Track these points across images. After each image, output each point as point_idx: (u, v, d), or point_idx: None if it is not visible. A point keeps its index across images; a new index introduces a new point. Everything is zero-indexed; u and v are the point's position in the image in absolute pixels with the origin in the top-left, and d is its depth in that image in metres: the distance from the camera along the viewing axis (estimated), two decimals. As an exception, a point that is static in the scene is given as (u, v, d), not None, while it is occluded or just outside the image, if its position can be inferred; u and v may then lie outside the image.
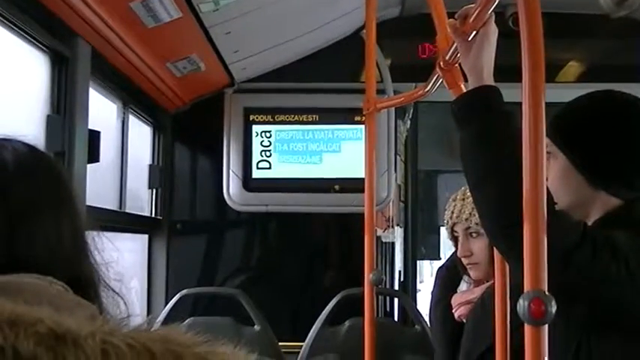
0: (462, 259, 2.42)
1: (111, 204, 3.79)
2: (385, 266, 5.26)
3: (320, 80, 4.51)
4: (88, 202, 3.01)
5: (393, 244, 5.38)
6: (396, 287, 5.45)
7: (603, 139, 1.70)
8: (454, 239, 2.48)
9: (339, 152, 4.52)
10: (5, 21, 2.52)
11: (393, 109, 4.40)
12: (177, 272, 4.62)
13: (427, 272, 10.46)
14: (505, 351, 1.78)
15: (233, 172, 4.47)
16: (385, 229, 5.01)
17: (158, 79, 3.79)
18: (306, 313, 4.52)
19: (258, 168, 4.51)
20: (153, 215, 4.55)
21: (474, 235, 2.38)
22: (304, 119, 4.54)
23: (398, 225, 5.34)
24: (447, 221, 2.47)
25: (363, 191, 2.75)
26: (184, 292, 4.17)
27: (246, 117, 4.52)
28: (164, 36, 3.24)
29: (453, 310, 2.45)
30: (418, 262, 6.15)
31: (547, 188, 1.24)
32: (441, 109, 3.24)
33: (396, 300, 5.15)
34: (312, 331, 4.07)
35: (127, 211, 3.98)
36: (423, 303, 4.48)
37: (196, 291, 4.37)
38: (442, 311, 2.53)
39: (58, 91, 2.91)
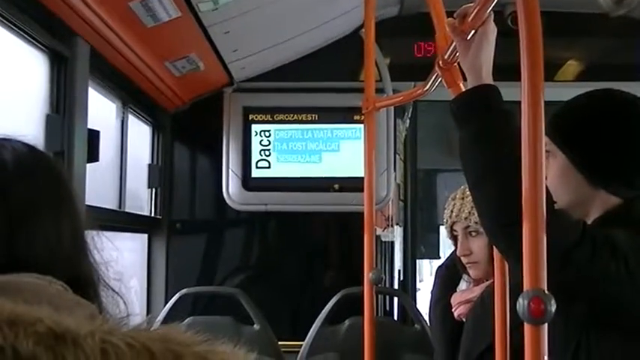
0: (462, 258, 2.42)
1: (110, 203, 3.79)
2: (385, 265, 5.26)
3: (319, 79, 4.51)
4: (88, 202, 3.01)
5: (392, 243, 5.37)
6: (396, 286, 5.44)
7: (602, 138, 1.70)
8: (453, 238, 2.48)
9: (338, 151, 4.52)
10: (5, 21, 2.52)
11: (393, 108, 4.40)
12: (176, 271, 4.62)
13: (427, 271, 10.46)
14: (505, 350, 1.78)
15: (232, 171, 4.47)
16: (385, 228, 5.01)
17: (157, 79, 3.79)
18: (305, 312, 4.52)
19: (257, 167, 4.51)
20: (152, 215, 4.55)
21: (474, 234, 2.38)
22: (303, 118, 4.54)
23: (397, 224, 5.33)
24: (447, 220, 2.47)
25: (362, 190, 2.74)
26: (184, 291, 4.17)
27: (245, 116, 4.53)
28: (163, 35, 3.24)
29: (453, 309, 2.45)
30: (418, 261, 6.15)
31: (546, 187, 1.24)
32: (441, 108, 3.24)
33: (395, 299, 5.15)
34: (311, 330, 4.07)
35: (126, 210, 3.98)
36: (423, 302, 4.48)
37: (196, 290, 4.37)
38: (442, 310, 2.53)
39: (57, 90, 2.91)
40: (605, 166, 1.69)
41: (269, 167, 4.52)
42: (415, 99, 3.16)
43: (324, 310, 4.10)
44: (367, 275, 2.60)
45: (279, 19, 3.82)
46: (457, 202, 2.43)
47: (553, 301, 1.11)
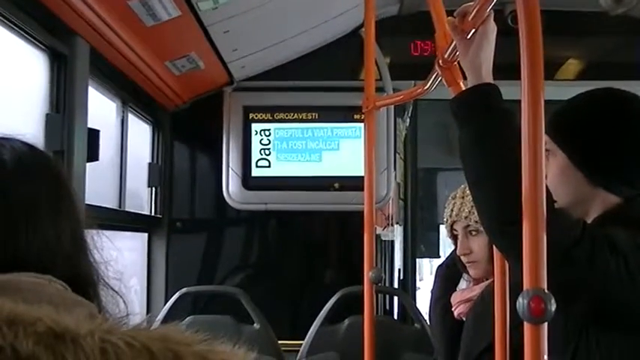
0: (462, 257, 2.42)
1: (110, 202, 3.79)
2: (385, 264, 5.26)
3: (319, 78, 4.51)
4: (88, 201, 3.01)
5: (392, 242, 5.38)
6: (396, 285, 5.45)
7: (603, 137, 1.70)
8: (453, 237, 2.48)
9: (338, 150, 4.52)
10: (4, 20, 2.52)
11: (393, 107, 4.40)
12: (176, 271, 4.62)
13: (427, 270, 10.45)
14: (504, 349, 1.78)
15: (232, 170, 4.47)
16: (385, 227, 5.01)
17: (157, 78, 3.79)
18: (305, 311, 4.52)
19: (257, 166, 4.51)
20: (152, 214, 4.55)
21: (474, 233, 2.38)
22: (303, 117, 4.54)
23: (397, 223, 5.34)
24: (447, 219, 2.47)
25: (362, 189, 2.74)
26: (184, 290, 4.17)
27: (245, 115, 4.53)
28: (163, 34, 3.24)
29: (453, 309, 2.45)
30: (418, 260, 6.15)
31: (546, 186, 1.24)
32: (441, 107, 3.24)
33: (395, 298, 5.16)
34: (311, 329, 4.07)
35: (126, 209, 3.98)
36: (423, 301, 4.49)
37: (196, 289, 4.37)
38: (442, 309, 2.54)
39: (57, 89, 2.91)
40: (605, 165, 1.69)
41: (269, 166, 4.52)
42: (415, 98, 3.16)
43: (323, 309, 4.10)
44: (367, 274, 2.60)
45: (279, 18, 3.81)
46: (457, 201, 2.43)
47: (553, 301, 1.11)
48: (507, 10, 3.97)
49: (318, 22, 4.19)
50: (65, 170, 1.42)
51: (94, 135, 3.05)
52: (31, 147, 1.02)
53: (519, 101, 1.20)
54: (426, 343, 3.83)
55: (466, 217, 2.38)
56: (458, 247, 2.43)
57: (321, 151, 4.53)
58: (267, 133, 4.53)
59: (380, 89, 3.92)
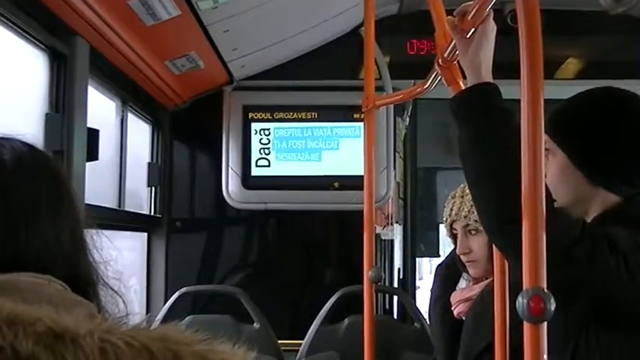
0: (461, 257, 2.42)
1: (110, 202, 3.79)
2: (384, 264, 5.26)
3: (319, 78, 4.51)
4: (87, 201, 3.01)
5: (392, 241, 5.38)
6: (396, 285, 5.45)
7: (602, 136, 1.70)
8: (453, 236, 2.48)
9: (337, 150, 4.52)
10: (4, 19, 2.52)
11: (392, 106, 4.40)
12: (176, 270, 4.62)
13: (426, 270, 10.46)
14: (504, 348, 1.78)
15: (232, 169, 4.47)
16: (384, 227, 5.01)
17: (157, 77, 3.79)
18: (305, 310, 4.52)
19: (257, 166, 4.51)
20: (152, 213, 4.55)
21: (473, 232, 2.38)
22: (303, 117, 4.54)
23: (397, 222, 5.34)
24: (446, 218, 2.47)
25: (362, 189, 2.74)
26: (184, 290, 4.17)
27: (245, 115, 4.53)
28: (163, 34, 3.24)
29: (452, 308, 2.45)
30: (417, 259, 6.15)
31: (546, 185, 1.24)
32: (440, 107, 3.24)
33: (395, 297, 5.16)
34: (311, 328, 4.07)
35: (126, 209, 3.98)
36: (423, 300, 4.49)
37: (196, 289, 4.37)
38: (441, 308, 2.54)
39: (56, 89, 2.91)
40: (605, 164, 1.69)
41: (269, 166, 4.52)
42: (415, 97, 3.16)
43: (323, 309, 4.10)
44: (367, 273, 2.60)
45: (279, 17, 3.81)
46: (457, 200, 2.43)
47: (552, 300, 1.11)
48: (507, 10, 3.97)
49: (317, 22, 4.19)
50: (65, 170, 1.42)
51: (93, 135, 3.04)
52: (30, 147, 1.02)
53: (519, 100, 1.20)
54: (425, 343, 3.83)
55: (466, 217, 2.38)
56: (457, 247, 2.43)
57: (321, 150, 4.53)
58: (266, 132, 4.53)
59: (379, 88, 3.92)
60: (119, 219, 3.92)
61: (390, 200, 4.72)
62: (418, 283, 6.61)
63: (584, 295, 1.51)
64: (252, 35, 3.91)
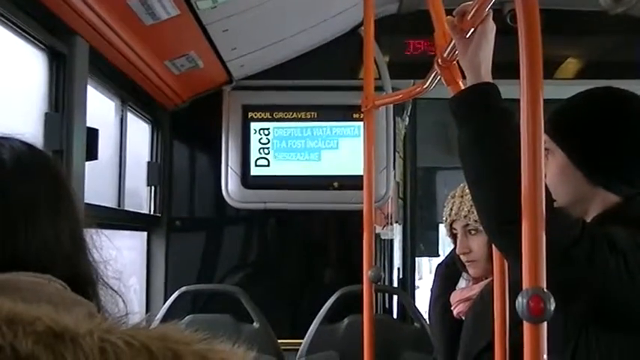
0: (461, 256, 2.42)
1: (110, 201, 3.79)
2: (384, 263, 5.27)
3: (318, 77, 4.52)
4: (87, 200, 3.01)
5: (391, 241, 5.38)
6: (395, 284, 5.45)
7: (602, 136, 1.70)
8: (453, 236, 2.48)
9: (337, 149, 4.52)
10: (4, 19, 2.52)
11: (392, 106, 4.40)
12: (176, 269, 4.62)
13: (426, 269, 10.46)
14: (504, 348, 1.78)
15: (232, 169, 4.47)
16: (384, 227, 5.01)
17: (156, 77, 3.79)
18: (305, 310, 4.53)
19: (256, 165, 4.51)
20: (151, 213, 4.55)
21: (473, 232, 2.38)
22: (303, 116, 4.54)
23: (397, 222, 5.34)
24: (446, 218, 2.47)
25: (361, 188, 2.74)
26: (183, 289, 4.17)
27: (244, 114, 4.53)
28: (162, 33, 3.23)
29: (452, 308, 2.45)
30: (417, 259, 6.15)
31: (545, 185, 1.24)
32: (440, 106, 3.24)
33: (395, 297, 5.16)
34: (311, 328, 4.08)
35: (125, 208, 3.98)
36: (422, 300, 4.49)
37: (195, 288, 4.37)
38: (441, 308, 2.54)
39: (56, 88, 2.91)
40: (605, 164, 1.69)
41: (268, 165, 4.52)
42: (414, 97, 3.16)
43: (323, 308, 4.10)
44: (366, 273, 2.60)
45: (278, 17, 3.81)
46: (456, 200, 2.43)
47: (552, 300, 1.11)
48: (506, 9, 3.97)
49: (317, 21, 4.19)
50: (64, 169, 1.42)
51: (93, 134, 3.04)
52: (30, 146, 1.02)
53: (518, 100, 1.20)
54: (425, 342, 3.82)
55: (465, 216, 2.38)
56: (457, 246, 2.43)
57: (321, 150, 4.53)
58: (266, 132, 4.53)
59: (379, 88, 3.92)
60: (119, 218, 3.92)
61: (389, 200, 4.72)
62: (418, 282, 6.60)
63: (583, 295, 1.51)
64: (251, 35, 3.91)
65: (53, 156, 2.39)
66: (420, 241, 6.57)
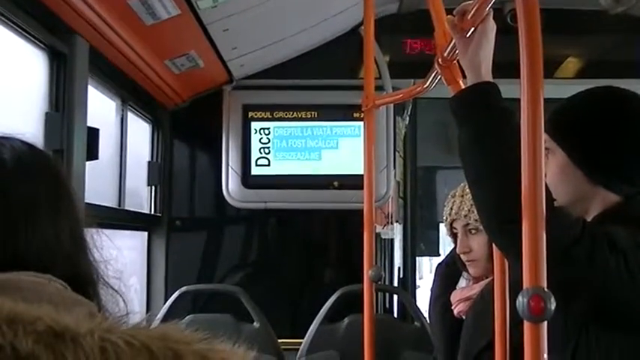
0: (461, 256, 2.43)
1: (110, 201, 3.79)
2: (384, 263, 5.26)
3: (318, 77, 4.51)
4: (87, 200, 3.01)
5: (392, 240, 5.38)
6: (396, 284, 5.45)
7: (602, 135, 1.70)
8: (453, 236, 2.48)
9: (337, 149, 4.52)
10: (4, 19, 2.52)
11: (392, 105, 4.40)
12: (176, 269, 4.62)
13: (426, 269, 10.46)
14: (504, 348, 1.78)
15: (232, 168, 4.47)
16: (384, 226, 5.01)
17: (157, 77, 3.79)
18: (305, 310, 4.53)
19: (257, 165, 4.51)
20: (152, 212, 4.55)
21: (473, 231, 2.38)
22: (303, 116, 4.54)
23: (397, 221, 5.34)
24: (446, 218, 2.47)
25: (362, 188, 2.74)
26: (184, 289, 4.17)
27: (244, 114, 4.53)
28: (162, 33, 3.23)
29: (452, 307, 2.45)
30: (417, 258, 6.15)
31: (546, 184, 1.24)
32: (440, 106, 3.23)
33: (395, 296, 5.16)
34: (311, 328, 4.08)
35: (126, 208, 3.98)
36: (423, 299, 4.49)
37: (196, 288, 4.37)
38: (441, 307, 2.54)
39: (56, 88, 2.91)
40: (605, 163, 1.69)
41: (268, 165, 4.52)
42: (415, 96, 3.16)
43: (323, 308, 4.10)
44: (367, 273, 2.60)
45: (279, 16, 3.81)
46: (457, 199, 2.43)
47: (553, 299, 1.11)
48: (507, 9, 3.97)
49: (317, 21, 4.19)
50: (65, 169, 1.42)
51: (93, 134, 3.04)
52: (30, 146, 1.02)
53: (519, 100, 1.20)
54: (425, 342, 3.83)
55: (466, 216, 2.38)
56: (457, 246, 2.43)
57: (321, 149, 4.53)
58: (266, 131, 4.53)
59: (379, 88, 3.92)
60: (119, 218, 3.92)
61: (390, 199, 4.72)
62: (418, 282, 6.60)
63: (584, 295, 1.51)
64: (251, 34, 3.91)
65: (54, 156, 2.39)
66: (420, 241, 6.57)
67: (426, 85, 2.22)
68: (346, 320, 4.06)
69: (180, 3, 2.97)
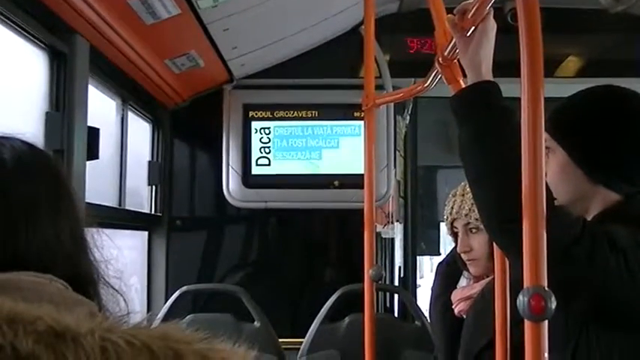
0: (462, 255, 2.43)
1: (110, 201, 3.79)
2: (385, 262, 5.26)
3: (319, 76, 4.51)
4: (88, 199, 3.01)
5: (392, 239, 5.38)
6: (396, 283, 5.45)
7: (603, 134, 1.70)
8: (454, 235, 2.48)
9: (338, 148, 4.52)
10: (4, 18, 2.52)
11: (392, 104, 4.40)
12: (176, 269, 4.62)
13: (427, 268, 10.46)
14: (505, 347, 1.78)
15: (232, 168, 4.47)
16: (385, 225, 5.01)
17: (157, 76, 3.79)
18: (305, 309, 4.52)
19: (257, 164, 4.51)
20: (152, 212, 4.55)
21: (474, 230, 2.38)
22: (303, 115, 4.54)
23: (397, 221, 5.34)
24: (447, 217, 2.47)
25: (362, 187, 2.74)
26: (184, 288, 4.17)
27: (245, 113, 4.53)
28: (163, 33, 3.23)
29: (453, 306, 2.46)
30: (418, 257, 6.15)
31: (546, 183, 1.24)
32: (441, 105, 3.24)
33: (396, 296, 5.16)
34: (312, 327, 4.07)
35: (126, 207, 3.98)
36: (423, 298, 4.49)
37: (196, 288, 4.37)
38: (442, 307, 2.54)
39: (56, 88, 2.91)
40: (605, 162, 1.69)
41: (269, 164, 4.52)
42: (415, 95, 3.16)
43: (324, 307, 4.10)
44: (367, 272, 2.60)
45: (279, 16, 3.81)
46: (457, 198, 2.43)
47: (553, 298, 1.11)
48: (507, 8, 3.97)
49: (317, 20, 4.19)
50: (65, 169, 1.42)
51: (94, 133, 3.04)
52: (30, 146, 1.02)
53: (519, 99, 1.20)
54: (426, 341, 3.83)
55: (466, 215, 2.38)
56: (458, 245, 2.43)
57: (321, 149, 4.53)
58: (267, 131, 4.53)
59: (380, 87, 3.92)
60: (120, 218, 3.92)
61: (390, 199, 4.72)
62: (419, 281, 6.60)
63: (584, 294, 1.51)
64: (252, 34, 3.91)
65: (54, 155, 2.40)
66: (421, 240, 6.56)
67: (426, 84, 2.22)
68: (347, 320, 4.06)
69: (181, 2, 2.97)
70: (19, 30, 2.65)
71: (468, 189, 1.88)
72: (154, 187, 4.55)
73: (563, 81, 4.48)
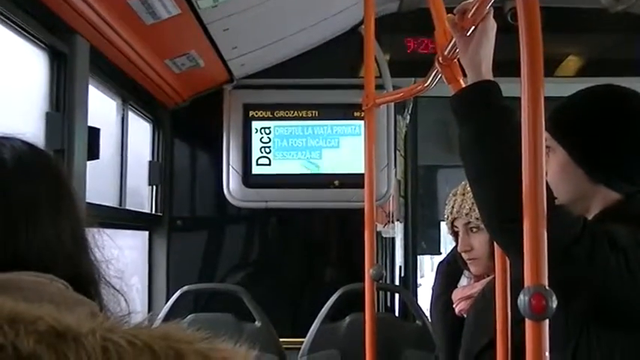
0: (463, 254, 2.43)
1: (111, 201, 3.79)
2: (385, 261, 5.26)
3: (319, 76, 4.52)
4: (88, 199, 3.01)
5: (393, 239, 5.38)
6: (397, 282, 5.45)
7: (603, 134, 1.70)
8: (454, 234, 2.48)
9: (338, 148, 4.52)
10: (4, 18, 2.52)
11: (393, 104, 4.40)
12: (177, 269, 4.62)
13: (428, 267, 10.47)
14: (506, 346, 1.78)
15: (233, 168, 4.47)
16: (385, 225, 5.01)
17: (157, 76, 3.79)
18: (306, 309, 4.53)
19: (257, 164, 4.51)
20: (153, 212, 4.55)
21: (475, 230, 2.38)
22: (303, 115, 4.54)
23: (398, 220, 5.34)
24: (447, 216, 2.47)
25: (362, 187, 2.74)
26: (185, 288, 4.17)
27: (245, 113, 4.53)
28: (163, 33, 3.23)
29: (454, 305, 2.45)
30: (418, 257, 6.15)
31: (546, 183, 1.24)
32: (441, 104, 3.24)
33: (396, 295, 5.16)
34: (312, 327, 4.08)
35: (127, 207, 3.98)
36: (424, 298, 4.48)
37: (197, 287, 4.37)
38: (443, 306, 2.54)
39: (57, 88, 2.91)
40: (606, 161, 1.69)
41: (269, 164, 4.52)
42: (415, 95, 3.16)
43: (325, 307, 4.10)
44: (368, 271, 2.61)
45: (279, 15, 3.81)
46: (458, 198, 2.43)
47: (554, 297, 1.11)
48: (507, 7, 3.97)
49: (317, 20, 4.19)
50: (65, 169, 1.42)
51: (94, 133, 3.05)
52: (31, 146, 1.02)
53: (519, 98, 1.20)
54: (427, 340, 3.83)
55: (467, 214, 2.38)
56: (459, 244, 2.43)
57: (322, 148, 4.53)
58: (267, 130, 4.53)
59: (380, 86, 3.92)
60: (120, 218, 3.92)
61: (390, 198, 4.72)
62: (419, 280, 6.60)
63: (584, 293, 1.51)
64: (252, 34, 3.91)
65: (54, 155, 2.40)
66: (421, 239, 6.56)
67: (426, 84, 2.23)
68: (347, 319, 4.06)
69: (181, 2, 2.97)
70: (20, 30, 2.65)
71: (469, 188, 1.88)
72: (154, 187, 4.55)
73: (563, 80, 4.48)
